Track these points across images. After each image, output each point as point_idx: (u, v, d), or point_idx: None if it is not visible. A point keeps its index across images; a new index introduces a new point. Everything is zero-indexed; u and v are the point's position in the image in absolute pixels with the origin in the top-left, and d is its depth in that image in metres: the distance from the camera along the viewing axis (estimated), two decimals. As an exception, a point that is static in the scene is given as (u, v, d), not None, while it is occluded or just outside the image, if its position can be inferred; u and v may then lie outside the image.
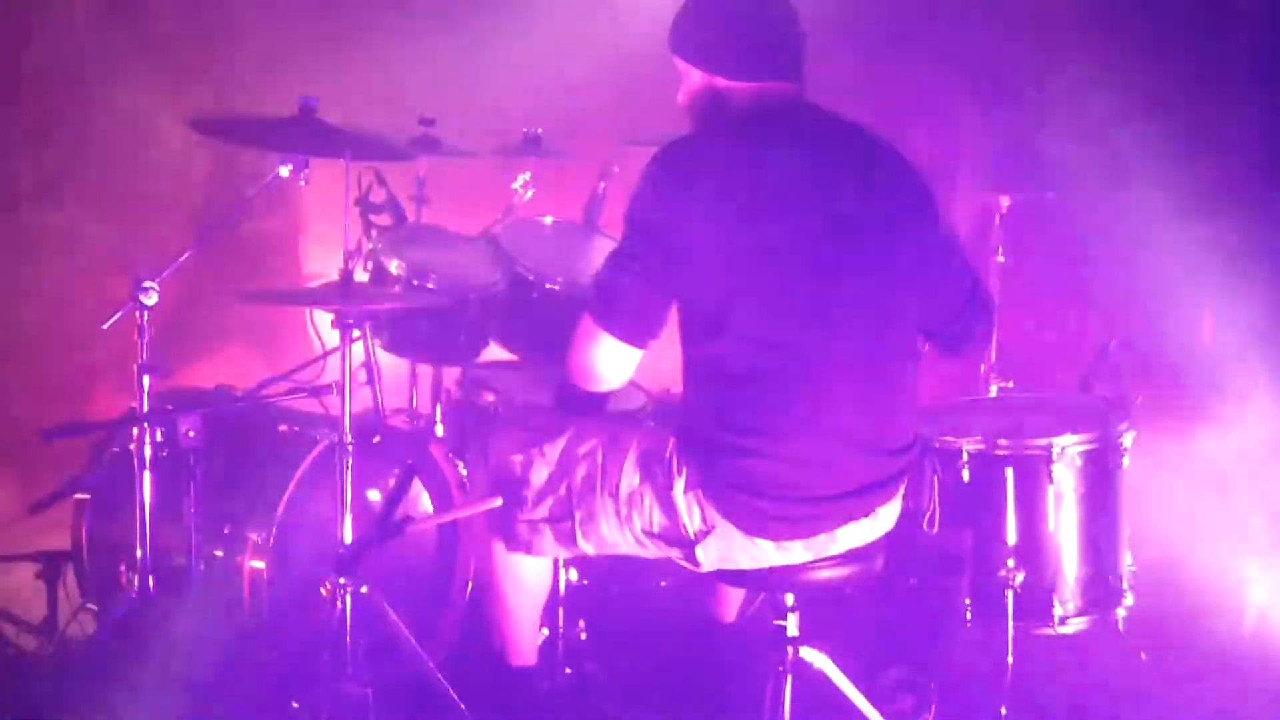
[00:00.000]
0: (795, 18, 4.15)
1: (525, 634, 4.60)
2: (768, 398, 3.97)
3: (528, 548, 4.32)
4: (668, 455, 4.11)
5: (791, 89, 4.14)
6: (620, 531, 4.18)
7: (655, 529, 4.13)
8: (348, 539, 4.68)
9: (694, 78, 4.18)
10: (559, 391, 4.34)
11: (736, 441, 3.98)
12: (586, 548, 4.25)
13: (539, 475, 4.27)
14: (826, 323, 3.98)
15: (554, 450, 4.28)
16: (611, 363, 4.03)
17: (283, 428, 5.25)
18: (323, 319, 4.91)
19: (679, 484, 4.07)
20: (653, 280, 3.94)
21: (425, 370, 6.03)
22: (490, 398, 5.28)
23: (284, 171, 4.93)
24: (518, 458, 4.31)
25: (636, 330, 3.98)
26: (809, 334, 3.96)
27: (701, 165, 3.99)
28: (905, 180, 4.17)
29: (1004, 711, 4.96)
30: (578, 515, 4.21)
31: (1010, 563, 5.01)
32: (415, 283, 5.21)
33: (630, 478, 4.15)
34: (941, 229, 4.25)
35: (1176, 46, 6.61)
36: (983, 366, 6.05)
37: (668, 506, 4.09)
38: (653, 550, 4.19)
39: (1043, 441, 5.08)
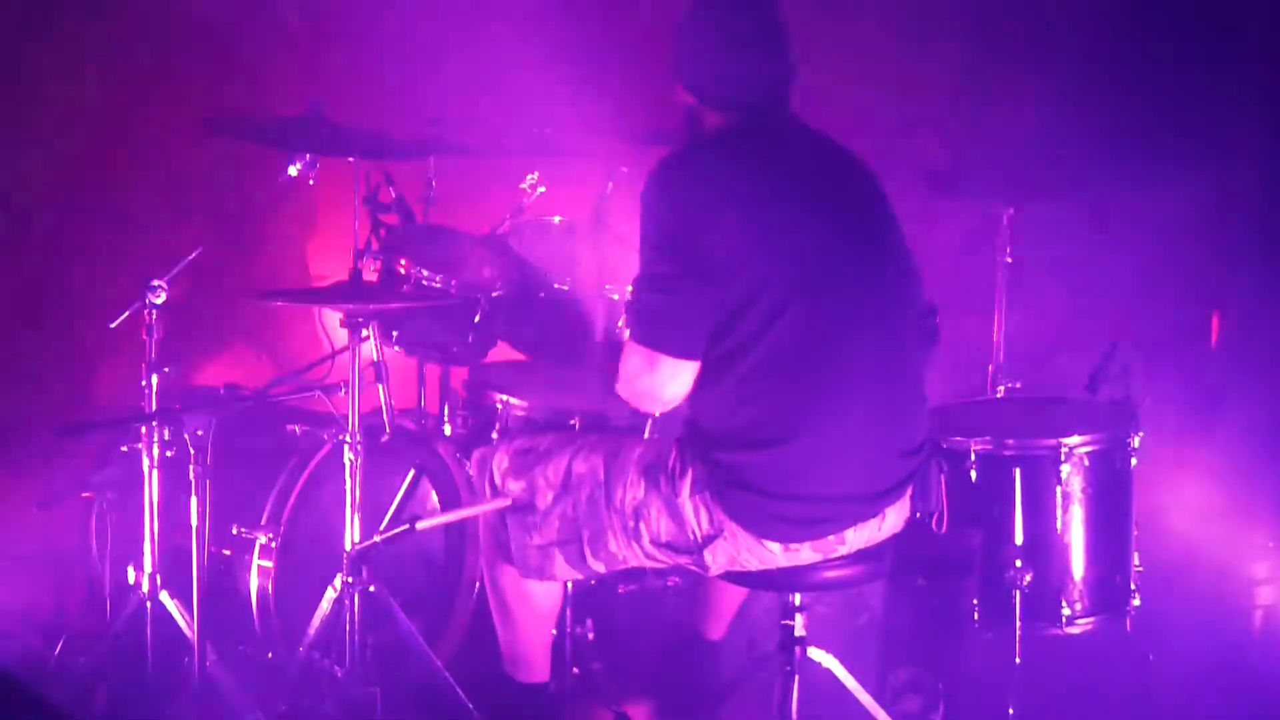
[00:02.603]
0: (780, 38, 4.18)
1: (537, 652, 4.61)
2: (775, 397, 3.98)
3: (540, 573, 4.32)
4: (671, 464, 4.12)
5: (773, 106, 4.16)
6: (629, 546, 4.19)
7: (664, 538, 4.13)
8: (356, 539, 4.68)
9: (683, 102, 4.24)
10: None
11: (743, 440, 4.00)
12: (597, 566, 4.26)
13: (544, 499, 4.27)
14: (834, 323, 3.99)
15: (556, 474, 4.28)
16: (673, 382, 4.02)
17: (291, 427, 5.26)
18: (331, 318, 4.92)
19: (685, 489, 4.07)
20: (687, 292, 3.94)
21: (433, 370, 6.03)
22: (498, 397, 5.28)
23: (293, 171, 4.93)
24: (520, 484, 4.31)
25: (688, 342, 3.98)
26: (817, 334, 3.97)
27: (703, 174, 4.03)
28: (877, 188, 4.23)
29: (1011, 712, 4.96)
30: (585, 535, 4.22)
31: (1018, 563, 5.01)
32: (423, 282, 5.20)
33: (635, 490, 4.15)
34: (903, 236, 4.28)
35: (1185, 49, 6.60)
36: (990, 366, 6.04)
37: (675, 513, 4.09)
38: (662, 560, 4.20)
39: (1051, 442, 5.08)
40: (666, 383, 4.01)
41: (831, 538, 4.06)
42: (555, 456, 4.30)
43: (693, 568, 4.16)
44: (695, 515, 4.06)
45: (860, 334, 4.02)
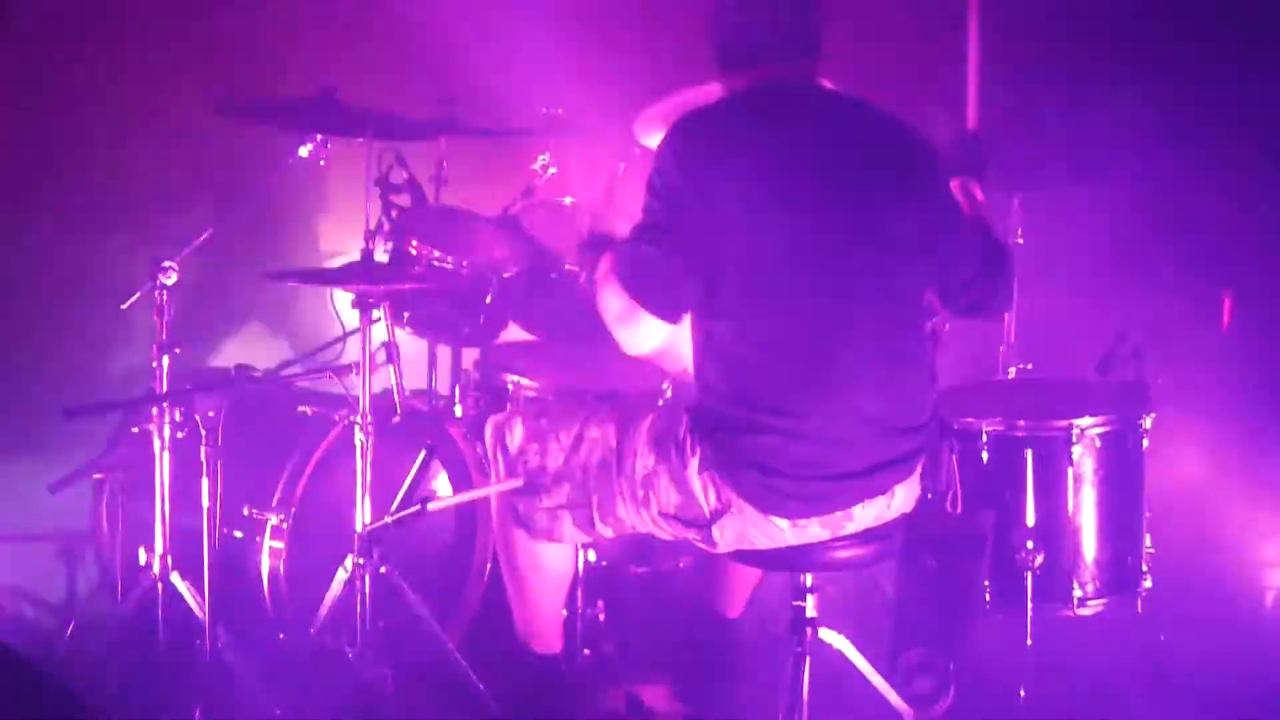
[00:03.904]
0: (789, 7, 4.16)
1: (549, 621, 4.62)
2: (783, 372, 3.97)
3: (548, 535, 4.33)
4: (682, 435, 4.11)
5: (793, 71, 4.14)
6: (637, 514, 4.19)
7: (672, 510, 4.13)
8: (367, 520, 4.68)
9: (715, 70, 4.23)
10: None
11: (751, 417, 3.98)
12: (605, 531, 4.26)
13: (555, 462, 4.28)
14: (841, 296, 3.98)
15: (568, 436, 4.28)
16: (648, 338, 4.02)
17: (302, 408, 5.26)
18: (343, 299, 4.91)
19: (693, 464, 4.06)
20: (678, 251, 3.93)
21: (444, 351, 6.03)
22: (509, 379, 5.28)
23: (304, 152, 4.93)
24: (534, 446, 4.32)
25: (670, 303, 3.97)
26: (823, 308, 3.97)
27: (721, 136, 4.00)
28: (911, 152, 4.18)
29: (1023, 693, 4.97)
30: (594, 499, 4.22)
31: (1030, 544, 5.01)
32: (435, 263, 5.20)
33: (645, 459, 4.15)
34: (947, 195, 4.24)
35: (1196, 31, 6.58)
36: (1001, 348, 6.03)
37: (683, 487, 4.08)
38: (670, 532, 4.19)
39: (1062, 423, 5.08)
40: (642, 338, 4.02)
41: (839, 514, 4.06)
42: (568, 421, 4.31)
43: (701, 544, 4.16)
44: (704, 491, 4.06)
45: (863, 309, 4.00)
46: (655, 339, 4.03)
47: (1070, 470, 5.06)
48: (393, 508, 4.70)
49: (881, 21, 7.01)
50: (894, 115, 4.18)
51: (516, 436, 4.38)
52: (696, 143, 3.98)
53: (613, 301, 4.02)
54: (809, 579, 4.29)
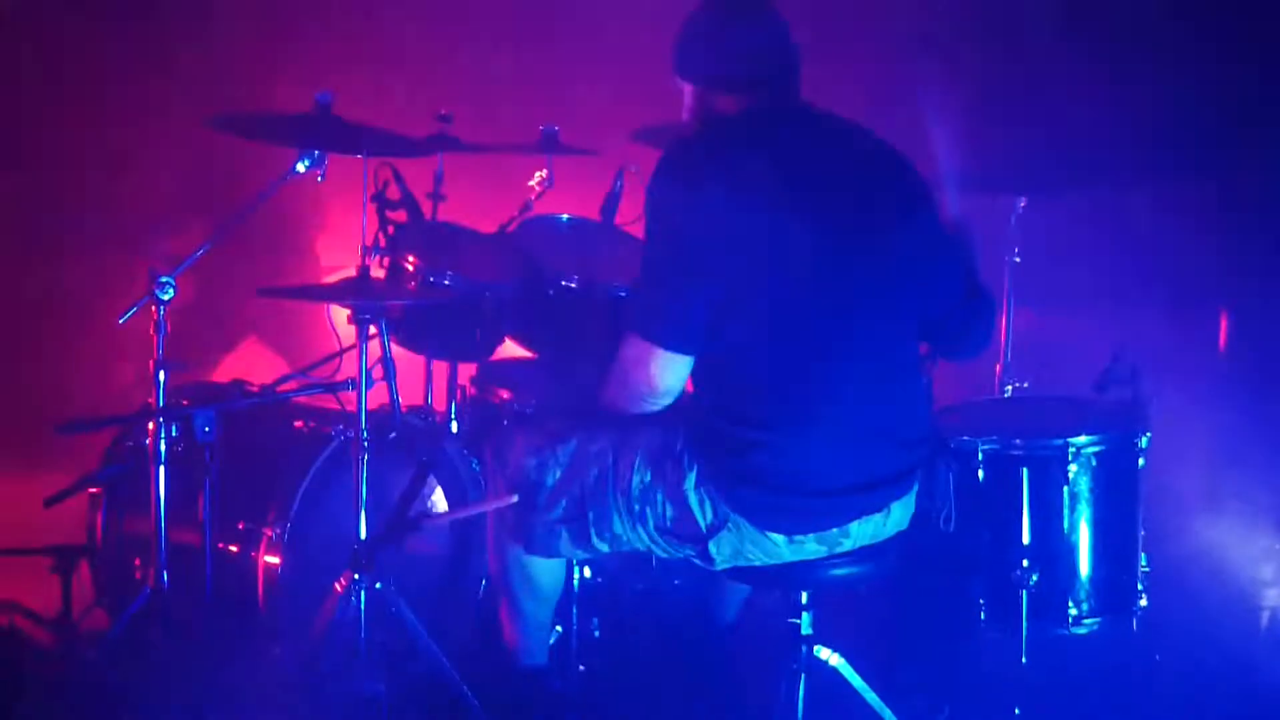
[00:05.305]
0: (784, 31, 4.17)
1: (537, 635, 4.61)
2: (781, 388, 3.98)
3: (545, 550, 4.33)
4: (678, 450, 4.11)
5: (785, 96, 4.15)
6: (633, 529, 4.19)
7: (669, 524, 4.13)
8: (363, 535, 4.68)
9: (692, 94, 4.23)
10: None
11: (747, 434, 3.99)
12: (601, 546, 4.26)
13: (553, 477, 4.28)
14: (835, 314, 3.99)
15: (566, 452, 4.29)
16: (667, 375, 4.02)
17: (298, 423, 5.26)
18: (340, 315, 4.91)
19: (690, 479, 4.07)
20: (685, 286, 3.94)
21: (441, 367, 6.03)
22: (506, 394, 5.27)
23: (301, 167, 4.92)
24: (532, 461, 4.32)
25: (683, 336, 3.97)
26: (818, 325, 3.97)
27: (706, 163, 4.00)
28: (903, 176, 4.19)
29: (1018, 712, 4.96)
30: (591, 515, 4.22)
31: (1025, 563, 5.01)
32: (431, 279, 5.20)
33: (642, 475, 4.15)
34: (939, 226, 4.25)
35: (1194, 48, 6.58)
36: (998, 366, 6.04)
37: (679, 502, 4.09)
38: (666, 548, 4.19)
39: (1058, 442, 5.07)
40: (661, 376, 4.01)
41: (835, 531, 4.07)
42: (566, 436, 4.31)
43: (698, 560, 4.16)
44: (700, 505, 4.06)
45: (861, 327, 4.02)
46: (676, 376, 4.03)
47: (1066, 489, 5.06)
48: (388, 523, 4.70)
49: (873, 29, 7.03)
50: (888, 142, 4.19)
51: (514, 453, 4.38)
52: (693, 170, 3.98)
53: (627, 352, 4.05)
54: (805, 596, 4.29)
